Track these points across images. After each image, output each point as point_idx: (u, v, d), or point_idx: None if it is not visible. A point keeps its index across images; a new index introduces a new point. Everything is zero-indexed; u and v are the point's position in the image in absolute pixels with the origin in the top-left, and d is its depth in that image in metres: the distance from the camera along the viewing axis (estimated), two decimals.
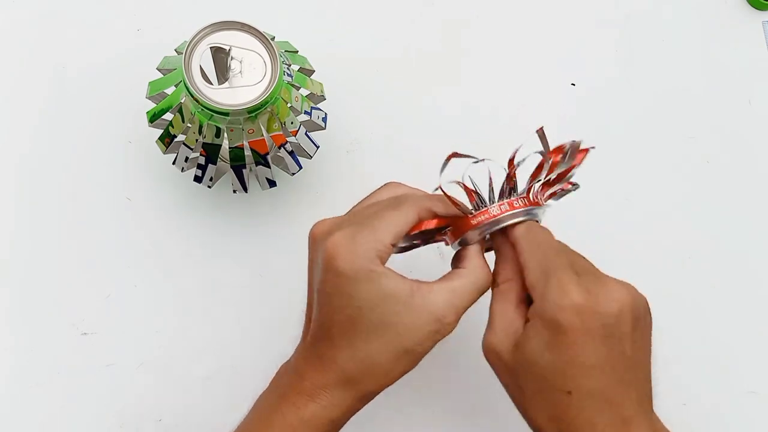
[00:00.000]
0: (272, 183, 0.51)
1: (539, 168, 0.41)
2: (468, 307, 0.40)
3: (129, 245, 0.55)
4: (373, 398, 0.41)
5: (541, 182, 0.42)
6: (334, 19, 0.60)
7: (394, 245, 0.39)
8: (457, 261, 0.42)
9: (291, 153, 0.50)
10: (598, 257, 0.57)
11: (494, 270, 0.41)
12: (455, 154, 0.39)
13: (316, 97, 0.51)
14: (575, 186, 0.44)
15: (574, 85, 0.60)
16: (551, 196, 0.43)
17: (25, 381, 0.52)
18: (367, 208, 0.41)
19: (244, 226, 0.55)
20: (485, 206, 0.41)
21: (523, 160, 0.40)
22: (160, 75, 0.49)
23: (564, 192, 0.45)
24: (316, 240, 0.40)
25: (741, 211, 0.58)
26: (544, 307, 0.36)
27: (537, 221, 0.42)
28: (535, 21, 0.61)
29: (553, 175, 0.42)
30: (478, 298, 0.40)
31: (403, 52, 0.60)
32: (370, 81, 0.59)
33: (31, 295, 0.53)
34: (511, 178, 0.41)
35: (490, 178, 0.41)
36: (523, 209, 0.41)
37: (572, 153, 0.42)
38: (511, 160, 0.41)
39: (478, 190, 0.41)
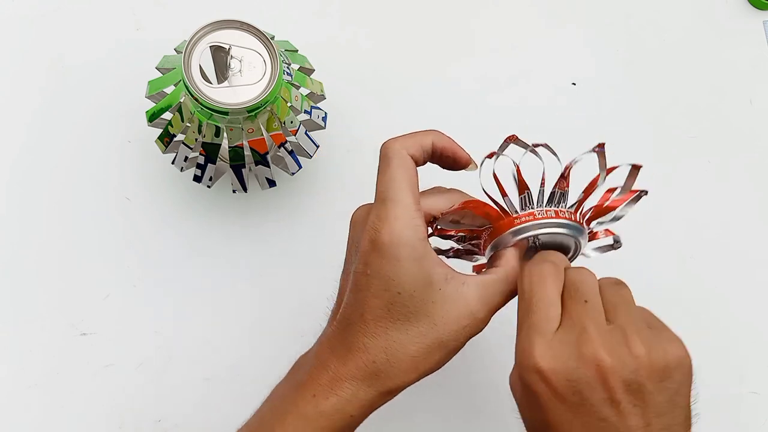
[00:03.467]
0: (272, 183, 0.51)
1: (591, 185, 0.39)
2: (499, 307, 0.38)
3: (128, 245, 0.54)
4: (391, 398, 0.39)
5: (589, 211, 0.40)
6: (334, 18, 0.60)
7: (431, 223, 0.39)
8: (491, 261, 0.40)
9: (291, 152, 0.50)
10: (598, 257, 0.57)
11: None
12: (514, 138, 0.38)
13: (316, 96, 0.51)
14: (617, 243, 0.43)
15: (574, 84, 0.60)
16: (591, 237, 0.42)
17: (24, 381, 0.52)
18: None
19: (243, 226, 0.55)
20: (532, 207, 0.39)
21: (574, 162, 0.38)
22: (159, 74, 0.49)
23: (606, 247, 0.43)
24: (358, 222, 0.39)
25: (742, 211, 0.58)
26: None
27: (576, 243, 0.40)
28: (535, 20, 0.61)
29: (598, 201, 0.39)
30: (509, 297, 0.39)
31: (404, 51, 0.59)
32: (371, 80, 0.59)
33: (30, 295, 0.53)
34: (565, 179, 0.38)
35: (543, 178, 0.39)
36: (569, 222, 0.38)
37: (627, 184, 0.40)
38: (567, 168, 0.38)
39: (528, 188, 0.39)
